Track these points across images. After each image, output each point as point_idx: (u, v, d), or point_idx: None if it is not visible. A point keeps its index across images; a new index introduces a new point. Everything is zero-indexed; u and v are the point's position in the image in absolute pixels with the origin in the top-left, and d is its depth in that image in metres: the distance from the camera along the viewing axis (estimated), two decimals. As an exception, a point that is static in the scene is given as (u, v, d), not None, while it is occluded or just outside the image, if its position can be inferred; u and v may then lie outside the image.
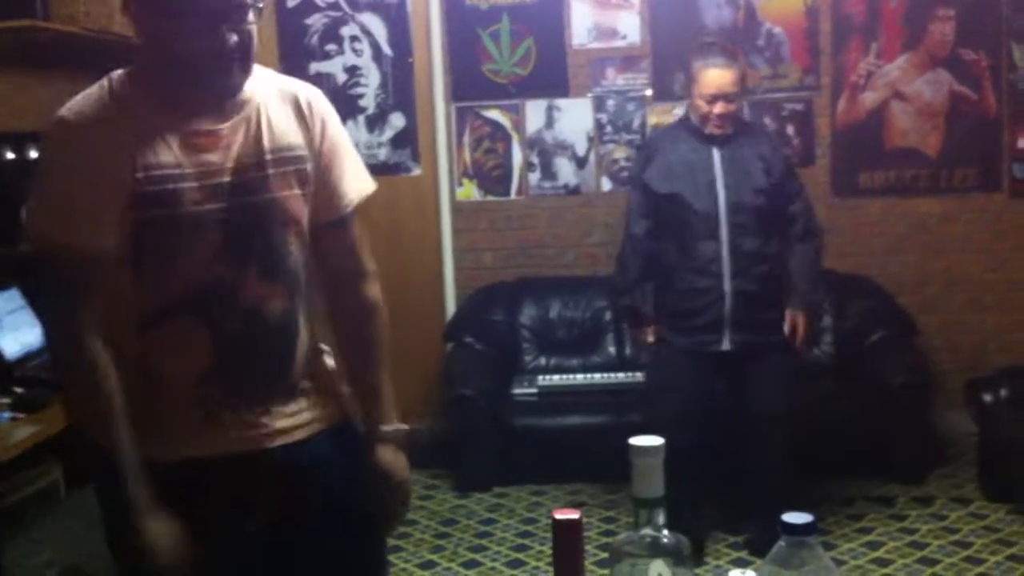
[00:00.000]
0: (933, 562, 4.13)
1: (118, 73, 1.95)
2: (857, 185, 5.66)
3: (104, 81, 1.94)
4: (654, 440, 1.38)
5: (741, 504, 4.30)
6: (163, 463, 1.90)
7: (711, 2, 5.60)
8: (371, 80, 5.72)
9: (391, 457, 2.14)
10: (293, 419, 2.04)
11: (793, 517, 1.33)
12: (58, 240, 1.87)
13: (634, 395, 4.78)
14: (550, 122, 5.69)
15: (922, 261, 5.64)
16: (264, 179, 1.95)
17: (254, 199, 1.93)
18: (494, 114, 5.70)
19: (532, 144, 5.71)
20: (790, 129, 5.64)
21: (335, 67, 5.71)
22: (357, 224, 2.15)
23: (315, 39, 5.70)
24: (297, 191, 1.99)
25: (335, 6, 5.67)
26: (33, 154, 3.60)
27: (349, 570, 2.17)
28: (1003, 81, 5.54)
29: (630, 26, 5.61)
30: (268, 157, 1.95)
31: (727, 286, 4.03)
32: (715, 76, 4.00)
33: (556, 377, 5.28)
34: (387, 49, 5.71)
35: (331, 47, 5.71)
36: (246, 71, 1.92)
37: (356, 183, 2.11)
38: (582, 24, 5.63)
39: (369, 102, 5.73)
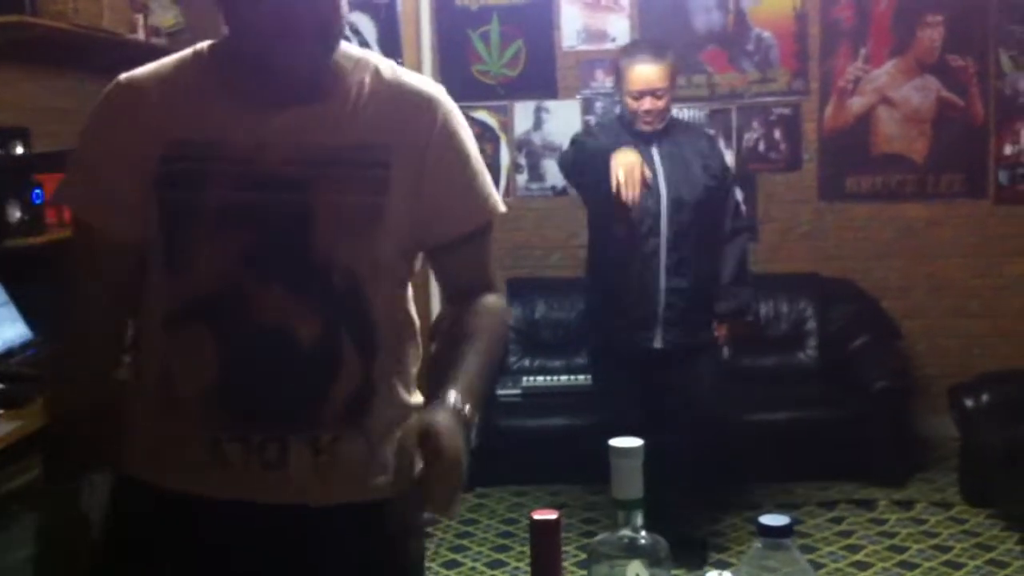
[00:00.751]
0: (913, 566, 4.15)
1: (208, 43, 1.70)
2: (844, 190, 5.68)
3: (190, 49, 1.70)
4: (634, 442, 1.39)
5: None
6: (163, 492, 1.64)
7: (700, 6, 5.62)
8: (360, 79, 5.72)
9: (446, 428, 1.58)
10: (317, 476, 1.63)
11: (770, 519, 1.33)
12: (78, 216, 1.68)
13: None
14: (538, 123, 5.71)
15: (907, 266, 5.67)
16: (324, 176, 1.60)
17: (301, 197, 1.59)
18: (482, 115, 5.71)
19: (520, 145, 5.72)
20: (778, 133, 5.67)
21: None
22: (481, 249, 1.81)
23: (304, 37, 5.70)
24: (370, 197, 1.62)
25: (325, 5, 5.67)
26: (19, 150, 3.59)
27: None
28: (990, 88, 5.57)
29: (619, 28, 5.63)
30: (340, 153, 1.62)
31: (662, 283, 3.99)
32: (642, 72, 3.96)
33: (540, 378, 5.29)
34: (376, 49, 5.71)
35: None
36: (325, 49, 1.62)
37: (473, 203, 1.75)
38: (571, 26, 5.64)
39: (358, 101, 5.73)
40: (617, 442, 1.39)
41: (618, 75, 4.10)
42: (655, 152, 4.01)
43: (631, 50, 4.12)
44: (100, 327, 1.68)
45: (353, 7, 6.15)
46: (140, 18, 4.96)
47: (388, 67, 1.72)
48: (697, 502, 4.27)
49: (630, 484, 1.38)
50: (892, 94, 5.62)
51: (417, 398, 1.80)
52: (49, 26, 3.81)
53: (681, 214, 3.97)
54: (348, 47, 1.69)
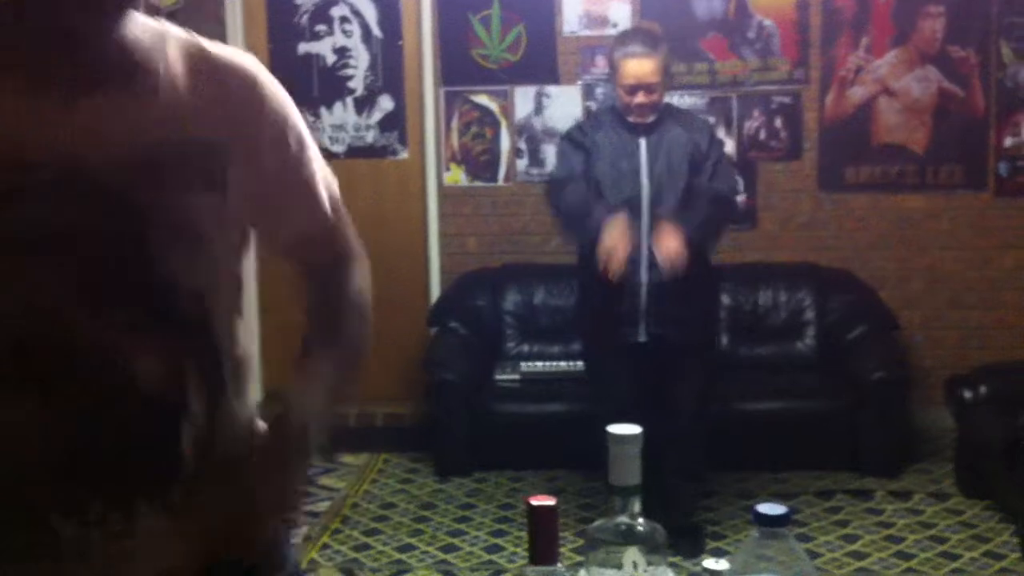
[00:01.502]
0: (909, 556, 4.16)
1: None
2: (843, 180, 5.67)
3: None
4: (632, 429, 1.38)
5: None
6: None
7: (702, -8, 5.60)
8: (360, 62, 5.71)
9: (274, 432, 1.41)
10: (169, 543, 1.36)
11: (767, 508, 1.33)
12: None
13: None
14: (539, 108, 5.69)
15: (905, 257, 5.67)
16: (154, 178, 1.31)
17: (131, 206, 1.29)
18: (483, 99, 5.69)
19: (520, 130, 5.71)
20: (778, 122, 5.65)
21: (324, 48, 5.69)
22: (335, 234, 1.64)
23: (305, 19, 5.69)
24: (212, 199, 1.36)
25: (326, -13, 5.66)
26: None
27: None
28: (991, 79, 5.56)
29: (621, 14, 5.61)
30: (168, 148, 1.32)
31: (643, 276, 3.97)
32: (634, 66, 3.92)
33: (538, 364, 5.29)
34: (377, 31, 5.70)
35: (321, 27, 5.69)
36: (123, 14, 1.31)
37: (317, 198, 1.57)
38: (573, 11, 5.62)
39: (358, 84, 5.72)
40: (615, 429, 1.38)
41: (611, 65, 4.07)
42: (643, 144, 4.00)
43: (624, 41, 4.05)
44: None
45: (354, -10, 6.08)
46: (140, -2, 4.96)
47: (190, 40, 1.42)
48: (694, 490, 4.27)
49: (627, 471, 1.37)
50: (893, 84, 5.61)
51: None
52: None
53: (662, 208, 3.96)
54: (136, 14, 1.35)
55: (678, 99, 5.34)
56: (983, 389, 4.63)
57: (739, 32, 5.61)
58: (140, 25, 1.35)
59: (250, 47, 5.69)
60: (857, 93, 5.62)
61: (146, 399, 1.32)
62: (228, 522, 1.38)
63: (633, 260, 3.93)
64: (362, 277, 1.71)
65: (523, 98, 5.69)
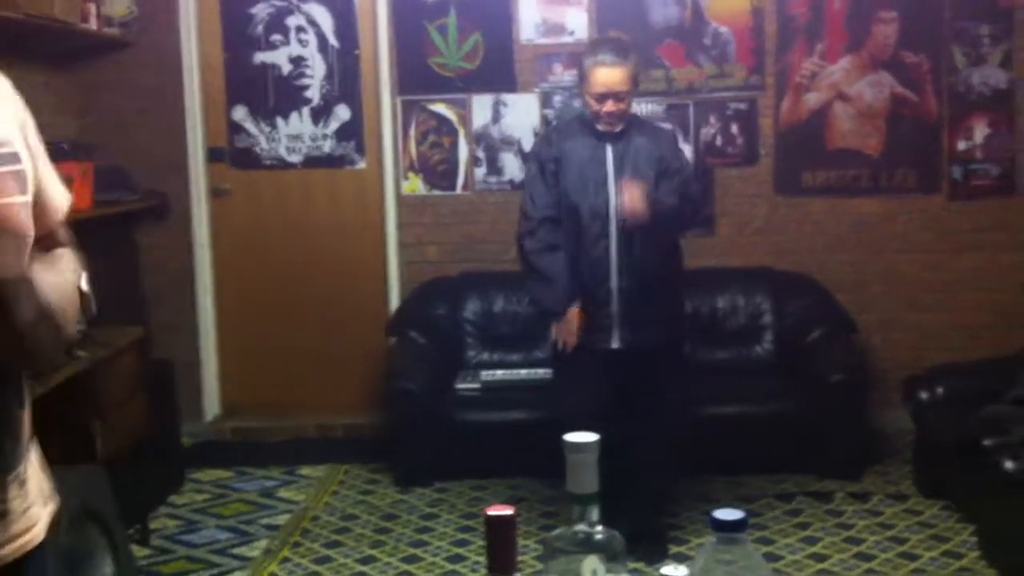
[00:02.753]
0: (869, 557, 4.18)
1: None
2: (799, 184, 5.72)
3: None
4: (588, 437, 1.38)
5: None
6: None
7: (658, 0, 5.63)
8: (316, 71, 5.69)
9: None
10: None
11: (724, 513, 1.33)
12: None
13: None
14: (496, 117, 5.70)
15: (862, 260, 5.72)
16: None
17: None
18: (440, 108, 5.69)
19: (478, 139, 5.71)
20: (734, 128, 5.69)
21: (280, 57, 5.67)
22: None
23: (260, 28, 5.66)
24: (19, 198, 1.47)
25: (281, -4, 5.64)
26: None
27: None
28: (943, 84, 5.62)
29: (577, 22, 5.63)
30: None
31: (614, 283, 3.99)
32: (604, 74, 3.93)
33: (499, 372, 5.29)
34: (333, 40, 5.68)
35: (276, 37, 5.67)
36: None
37: (62, 189, 1.66)
38: (530, 19, 5.64)
39: (314, 93, 5.70)
40: (571, 437, 1.38)
41: (580, 73, 4.07)
42: (609, 151, 4.01)
43: (595, 49, 4.07)
44: None
45: (310, -1, 6.07)
46: (92, 7, 4.92)
47: None
48: (655, 495, 4.28)
49: (585, 479, 1.37)
50: (847, 90, 5.66)
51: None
52: (-1, 16, 3.76)
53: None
54: None
55: (635, 106, 5.35)
56: (940, 390, 4.68)
57: (695, 39, 5.64)
58: None
59: (205, 56, 5.66)
60: (812, 99, 5.67)
61: None
62: None
63: (604, 267, 3.96)
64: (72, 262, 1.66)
65: (481, 106, 5.69)
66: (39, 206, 1.54)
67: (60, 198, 1.63)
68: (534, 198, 4.15)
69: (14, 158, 1.47)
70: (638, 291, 3.98)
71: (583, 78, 4.02)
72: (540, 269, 4.10)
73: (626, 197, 3.91)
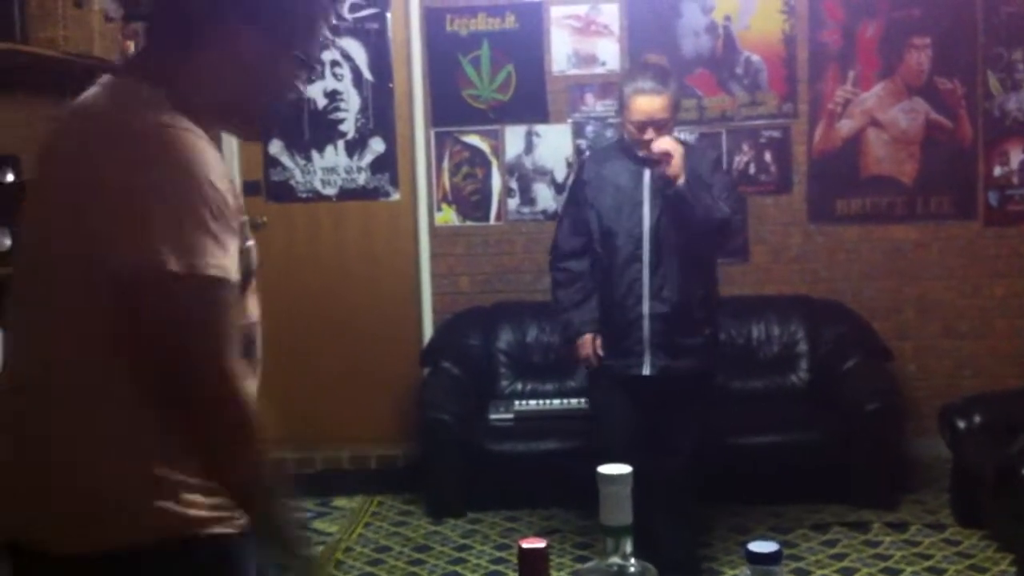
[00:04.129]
0: (907, 588, 4.15)
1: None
2: (833, 212, 5.70)
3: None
4: (622, 468, 1.39)
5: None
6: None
7: (689, 30, 5.65)
8: (351, 105, 5.74)
9: None
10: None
11: (759, 546, 1.34)
12: (221, 277, 1.65)
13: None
14: (529, 147, 5.72)
15: (897, 287, 5.69)
16: None
17: None
18: (473, 139, 5.72)
19: (511, 169, 5.73)
20: (768, 156, 5.69)
21: (316, 92, 5.72)
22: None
23: (295, 63, 5.71)
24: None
25: (315, 31, 5.69)
26: (9, 177, 3.58)
27: None
28: (978, 109, 5.60)
29: (609, 53, 5.65)
30: None
31: (646, 308, 3.98)
32: (644, 103, 3.89)
33: (532, 402, 5.28)
34: (368, 74, 5.73)
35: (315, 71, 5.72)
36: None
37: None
38: (562, 51, 5.67)
39: (349, 127, 5.75)
40: (605, 469, 1.39)
41: (620, 100, 4.03)
42: (646, 176, 3.99)
43: (634, 76, 4.02)
44: None
45: (344, 32, 6.19)
46: (131, 45, 4.98)
47: None
48: (689, 527, 4.26)
49: (618, 511, 1.38)
50: (881, 116, 5.64)
51: None
52: (39, 54, 3.82)
53: (663, 240, 3.96)
54: None
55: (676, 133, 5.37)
56: (977, 418, 4.63)
57: (727, 68, 5.65)
58: None
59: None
60: (845, 126, 5.66)
61: None
62: None
63: (636, 292, 3.97)
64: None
65: (513, 137, 5.72)
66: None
67: None
68: (566, 228, 4.21)
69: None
70: (671, 317, 3.98)
71: (623, 105, 3.97)
72: (558, 299, 4.22)
73: (659, 144, 3.83)
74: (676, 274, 3.98)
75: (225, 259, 1.60)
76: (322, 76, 5.71)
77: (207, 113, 1.69)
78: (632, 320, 4.00)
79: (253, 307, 1.86)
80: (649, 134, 3.90)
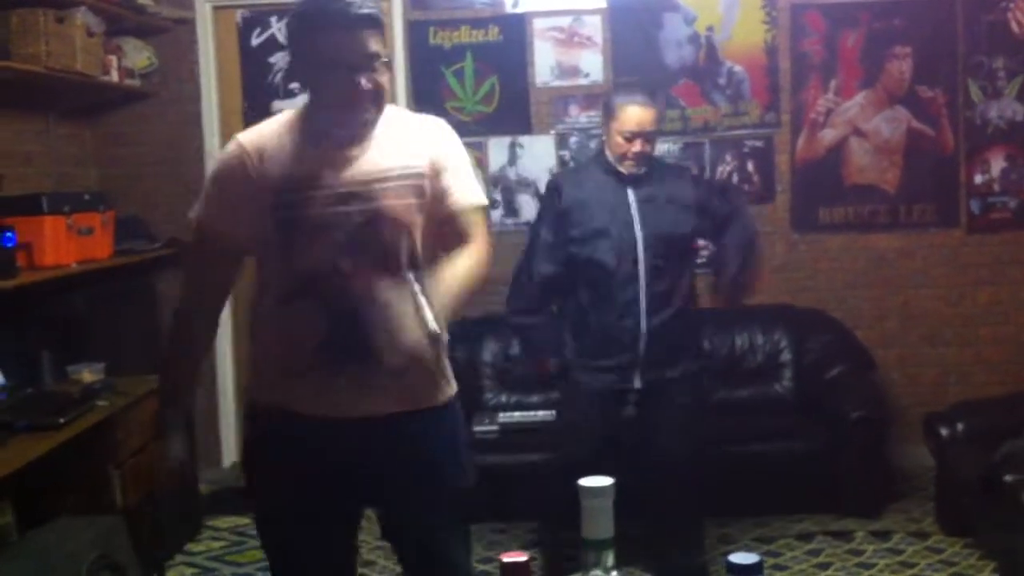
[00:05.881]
0: (892, 596, 4.16)
1: (295, 110, 2.49)
2: (816, 221, 5.72)
3: (283, 114, 2.50)
4: (603, 481, 1.39)
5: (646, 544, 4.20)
6: (290, 415, 2.38)
7: (672, 41, 5.67)
8: (334, 117, 5.73)
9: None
10: (400, 393, 2.42)
11: (739, 557, 1.34)
12: (208, 226, 2.42)
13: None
14: (513, 159, 5.73)
15: (880, 296, 5.71)
16: (382, 191, 2.36)
17: (371, 206, 2.35)
18: (457, 151, 5.72)
19: (495, 181, 5.74)
20: (751, 165, 5.71)
21: (298, 105, 5.70)
22: (468, 223, 2.50)
23: (278, 77, 5.72)
24: (412, 200, 2.39)
25: (298, 44, 5.69)
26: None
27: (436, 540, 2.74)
28: (960, 118, 5.63)
29: (592, 64, 5.67)
30: (388, 173, 2.37)
31: (643, 326, 3.95)
32: (636, 113, 3.91)
33: (516, 414, 5.27)
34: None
35: (295, 85, 5.71)
36: (378, 110, 2.39)
37: (466, 194, 2.50)
38: (545, 62, 5.68)
39: (332, 139, 5.74)
40: (587, 481, 1.39)
41: (607, 113, 4.01)
42: (631, 194, 3.97)
43: (625, 90, 4.07)
44: (214, 305, 2.54)
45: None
46: (113, 59, 4.98)
47: (398, 110, 2.55)
48: (693, 533, 4.24)
49: (600, 524, 1.38)
50: (863, 125, 5.67)
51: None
52: (22, 69, 3.82)
53: (657, 257, 3.95)
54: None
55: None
56: (960, 426, 4.65)
57: (710, 78, 5.67)
58: (390, 111, 2.47)
59: (225, 106, 5.72)
60: (828, 135, 5.68)
61: (381, 309, 2.37)
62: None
63: (634, 310, 3.94)
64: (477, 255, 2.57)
65: (497, 149, 5.73)
66: (438, 199, 2.45)
67: (460, 197, 2.50)
68: (535, 246, 4.17)
69: (416, 176, 2.42)
70: (667, 332, 3.97)
71: (612, 117, 3.96)
72: (527, 332, 4.36)
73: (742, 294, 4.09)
74: (670, 288, 3.99)
75: None
76: (304, 90, 5.69)
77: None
78: (629, 340, 3.97)
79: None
80: (637, 145, 3.92)
